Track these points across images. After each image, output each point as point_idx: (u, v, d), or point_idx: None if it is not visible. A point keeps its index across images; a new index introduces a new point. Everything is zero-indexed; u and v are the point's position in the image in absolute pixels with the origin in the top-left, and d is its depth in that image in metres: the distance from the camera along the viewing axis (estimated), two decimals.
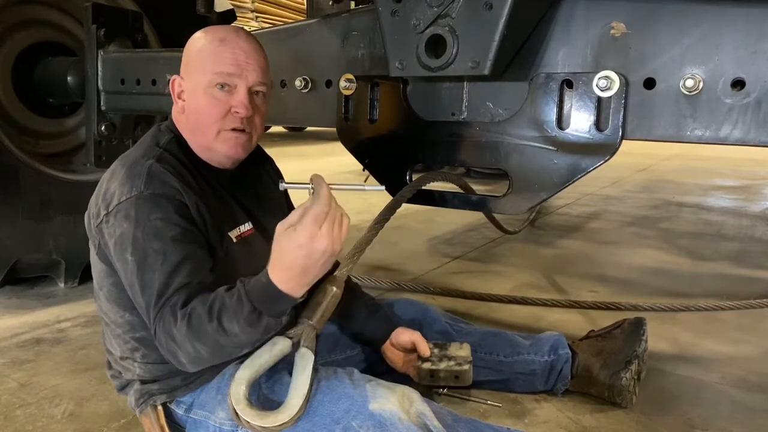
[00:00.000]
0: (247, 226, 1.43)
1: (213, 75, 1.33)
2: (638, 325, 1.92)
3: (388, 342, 1.68)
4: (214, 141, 1.37)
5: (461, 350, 1.68)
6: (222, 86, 1.33)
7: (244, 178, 1.49)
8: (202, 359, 1.19)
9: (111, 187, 1.29)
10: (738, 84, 1.30)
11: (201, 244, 1.28)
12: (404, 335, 1.66)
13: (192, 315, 1.15)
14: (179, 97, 1.39)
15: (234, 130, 1.36)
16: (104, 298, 1.38)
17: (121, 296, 1.34)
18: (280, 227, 1.11)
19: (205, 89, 1.34)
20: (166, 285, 1.19)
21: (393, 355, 1.69)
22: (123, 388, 1.45)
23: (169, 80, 1.42)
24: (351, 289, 1.74)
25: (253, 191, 1.52)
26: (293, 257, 1.09)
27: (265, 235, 1.48)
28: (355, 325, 1.70)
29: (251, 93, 1.36)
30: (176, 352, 1.18)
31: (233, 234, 1.39)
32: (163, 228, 1.22)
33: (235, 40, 1.35)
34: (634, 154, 8.49)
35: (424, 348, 1.63)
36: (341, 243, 1.11)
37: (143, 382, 1.39)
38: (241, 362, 1.30)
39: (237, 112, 1.34)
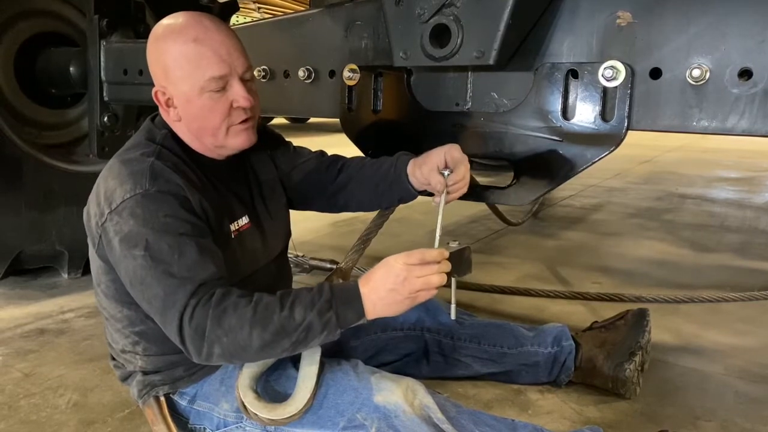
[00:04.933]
0: (244, 220, 1.41)
1: (204, 82, 1.27)
2: (641, 316, 1.91)
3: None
4: (225, 139, 1.35)
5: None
6: (216, 90, 1.29)
7: (238, 167, 1.46)
8: (246, 350, 1.14)
9: (111, 185, 1.25)
10: (745, 74, 1.29)
11: (210, 239, 1.26)
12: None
13: (259, 302, 1.15)
14: (168, 105, 1.33)
15: (241, 122, 1.35)
16: (102, 293, 1.37)
17: (118, 292, 1.32)
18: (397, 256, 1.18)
19: (199, 95, 1.28)
20: (190, 278, 1.16)
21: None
22: (126, 378, 1.45)
23: (156, 92, 1.32)
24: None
25: (245, 179, 1.49)
26: (386, 284, 1.16)
27: (259, 226, 1.47)
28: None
29: (243, 81, 1.32)
30: (215, 341, 1.13)
31: (232, 228, 1.37)
32: (173, 224, 1.20)
33: (209, 35, 1.28)
34: (638, 146, 8.46)
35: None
36: (424, 297, 1.18)
37: (145, 373, 1.39)
38: None
39: (240, 107, 1.32)
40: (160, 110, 1.37)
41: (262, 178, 1.53)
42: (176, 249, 1.18)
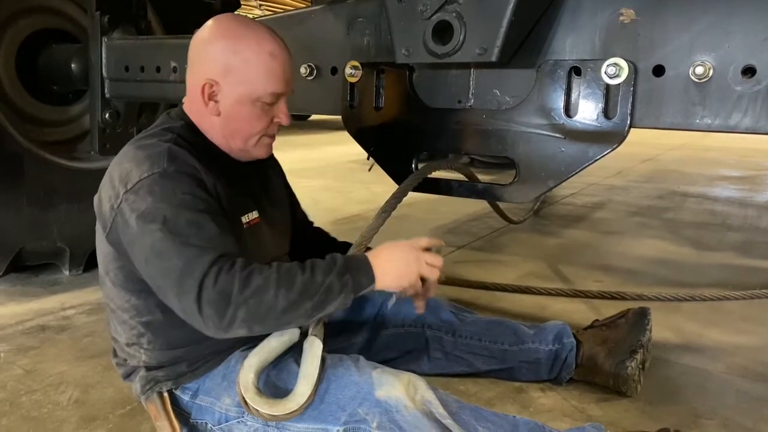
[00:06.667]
0: (254, 214, 1.43)
1: (265, 93, 1.33)
2: (643, 314, 1.91)
3: None
4: (253, 147, 1.40)
5: None
6: (268, 103, 1.36)
7: (251, 168, 1.48)
8: (270, 312, 1.16)
9: (126, 167, 1.27)
10: (748, 71, 1.29)
11: (226, 221, 1.28)
12: None
13: (280, 267, 1.20)
14: (210, 98, 1.34)
15: (271, 135, 1.42)
16: (110, 282, 1.37)
17: (126, 280, 1.33)
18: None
19: (252, 103, 1.34)
20: (212, 247, 1.17)
21: None
22: (128, 375, 1.45)
23: (204, 83, 1.32)
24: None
25: (259, 181, 1.52)
26: (397, 257, 1.30)
27: (269, 224, 1.49)
28: None
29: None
30: (242, 304, 1.14)
31: (244, 220, 1.39)
32: (191, 201, 1.22)
33: (282, 54, 1.35)
34: (639, 144, 8.45)
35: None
36: (428, 271, 1.33)
37: (149, 368, 1.39)
38: (249, 350, 1.31)
39: (280, 122, 1.40)
40: (196, 100, 1.36)
41: (272, 184, 1.59)
42: (195, 223, 1.19)
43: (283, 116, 1.39)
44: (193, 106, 1.39)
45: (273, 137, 1.44)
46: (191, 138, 1.36)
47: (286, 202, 1.67)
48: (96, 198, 1.35)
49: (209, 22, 1.37)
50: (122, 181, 1.26)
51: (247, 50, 1.31)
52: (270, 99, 1.35)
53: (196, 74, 1.36)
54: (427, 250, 1.36)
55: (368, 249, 1.48)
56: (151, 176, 1.22)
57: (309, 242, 1.73)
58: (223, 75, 1.32)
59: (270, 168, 1.61)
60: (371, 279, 1.26)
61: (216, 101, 1.34)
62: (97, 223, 1.36)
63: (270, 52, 1.32)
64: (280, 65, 1.34)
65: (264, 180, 1.55)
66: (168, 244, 1.18)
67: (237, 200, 1.38)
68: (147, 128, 1.42)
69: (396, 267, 1.28)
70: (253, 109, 1.35)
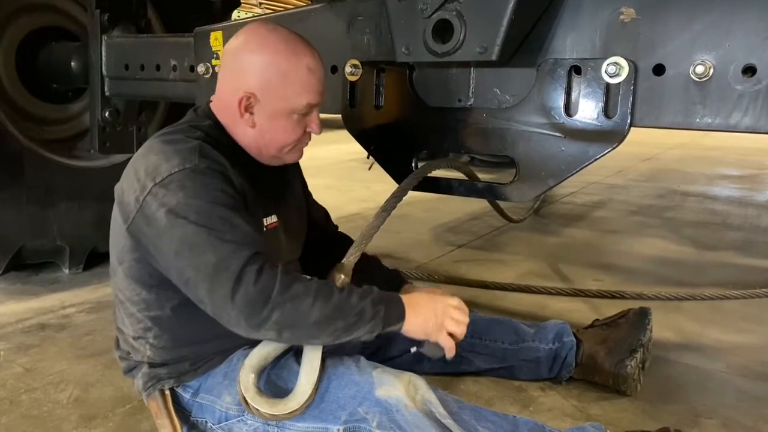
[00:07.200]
0: (273, 218, 1.44)
1: (301, 106, 1.34)
2: (643, 314, 1.91)
3: None
4: (285, 154, 1.42)
5: None
6: (303, 114, 1.37)
7: (273, 171, 1.49)
8: (301, 321, 1.18)
9: (153, 160, 1.26)
10: (749, 70, 1.28)
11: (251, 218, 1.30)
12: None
13: (320, 281, 1.24)
14: (247, 111, 1.34)
15: (305, 143, 1.44)
16: (123, 274, 1.36)
17: (141, 273, 1.32)
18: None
19: (287, 115, 1.35)
20: (247, 244, 1.18)
21: None
22: (130, 370, 1.45)
23: (242, 96, 1.32)
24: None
25: (280, 185, 1.53)
26: (426, 305, 1.35)
27: (286, 228, 1.50)
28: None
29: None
30: (278, 306, 1.16)
31: (265, 222, 1.41)
32: (223, 198, 1.22)
33: (318, 66, 1.36)
34: (640, 143, 8.45)
35: None
36: (454, 327, 1.37)
37: (152, 365, 1.39)
38: (250, 349, 1.31)
39: (312, 132, 1.42)
40: (230, 108, 1.36)
41: (292, 187, 1.60)
42: (228, 220, 1.20)
43: (315, 126, 1.41)
44: (226, 112, 1.38)
45: (306, 143, 1.45)
46: (219, 137, 1.36)
47: (304, 205, 1.68)
48: (118, 188, 1.34)
49: (245, 31, 1.36)
50: (149, 174, 1.25)
51: (285, 64, 1.32)
52: (305, 110, 1.36)
53: (231, 84, 1.35)
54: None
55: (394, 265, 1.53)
56: (183, 171, 1.22)
57: (327, 245, 1.71)
58: (261, 89, 1.32)
59: (291, 170, 1.60)
60: (402, 317, 1.29)
61: (252, 113, 1.35)
62: (116, 213, 1.34)
63: (307, 66, 1.34)
64: (317, 78, 1.36)
65: (285, 183, 1.56)
66: (201, 238, 1.18)
67: (259, 202, 1.39)
68: (173, 124, 1.41)
69: (424, 313, 1.32)
70: (288, 121, 1.36)
